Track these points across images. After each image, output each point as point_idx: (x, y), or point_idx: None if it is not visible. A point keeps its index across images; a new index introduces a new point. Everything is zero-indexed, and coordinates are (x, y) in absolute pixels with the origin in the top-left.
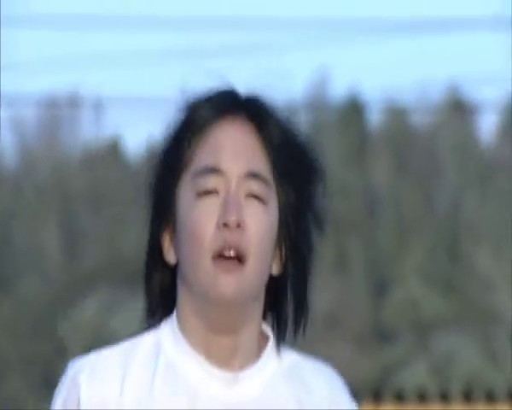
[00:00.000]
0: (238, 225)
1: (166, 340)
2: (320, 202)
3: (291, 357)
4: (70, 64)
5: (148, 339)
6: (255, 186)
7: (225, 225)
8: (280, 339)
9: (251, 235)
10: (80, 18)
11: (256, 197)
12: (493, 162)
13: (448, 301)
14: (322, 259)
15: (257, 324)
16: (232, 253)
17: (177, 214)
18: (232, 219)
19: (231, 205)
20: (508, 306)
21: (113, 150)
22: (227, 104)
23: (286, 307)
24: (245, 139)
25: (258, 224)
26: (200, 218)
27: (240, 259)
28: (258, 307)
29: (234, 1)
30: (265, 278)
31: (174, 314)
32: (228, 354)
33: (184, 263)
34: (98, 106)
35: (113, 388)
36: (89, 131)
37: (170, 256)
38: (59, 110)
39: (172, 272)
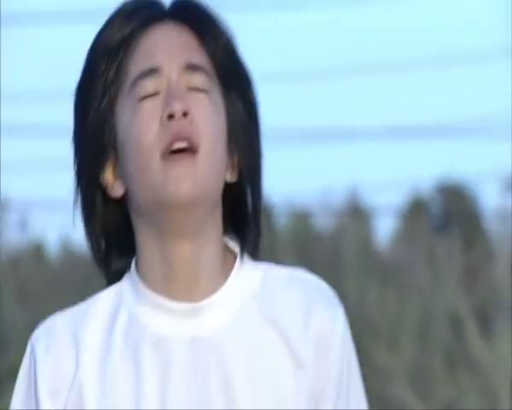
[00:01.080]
0: (185, 114)
1: (127, 292)
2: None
3: (262, 270)
4: None
5: (107, 296)
6: (197, 78)
7: (170, 116)
8: (246, 252)
9: (200, 123)
10: (5, 125)
11: (199, 90)
12: (390, 263)
13: None
14: None
15: (218, 233)
16: (184, 143)
17: (118, 132)
18: (177, 107)
19: (174, 95)
20: (404, 396)
21: (37, 251)
22: (159, 10)
23: (247, 216)
24: (181, 36)
25: (206, 112)
26: (142, 119)
27: (192, 149)
28: (217, 214)
29: None
30: (221, 179)
31: (133, 263)
32: (190, 273)
33: (132, 176)
34: (24, 209)
35: (68, 365)
36: (15, 233)
37: (116, 189)
38: None
39: (123, 212)
